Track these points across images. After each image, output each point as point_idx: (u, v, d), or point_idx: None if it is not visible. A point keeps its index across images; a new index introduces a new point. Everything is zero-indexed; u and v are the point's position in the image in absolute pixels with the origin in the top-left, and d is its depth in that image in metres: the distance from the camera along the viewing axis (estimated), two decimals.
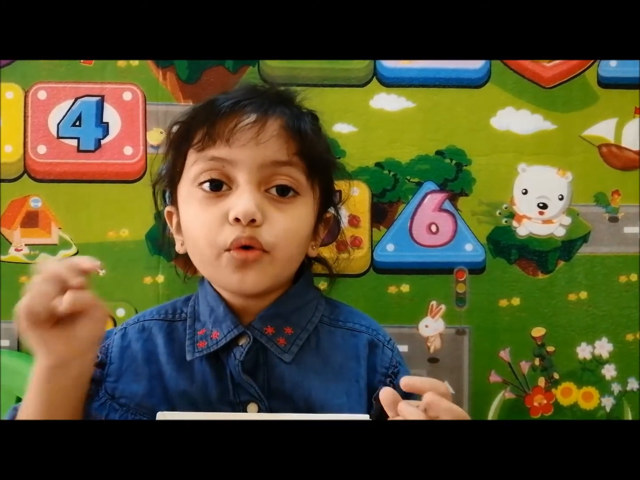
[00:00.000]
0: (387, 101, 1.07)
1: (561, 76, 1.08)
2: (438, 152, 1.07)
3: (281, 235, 0.78)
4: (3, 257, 1.04)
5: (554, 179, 1.08)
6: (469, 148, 1.07)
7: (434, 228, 1.07)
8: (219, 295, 0.83)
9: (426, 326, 1.07)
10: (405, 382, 0.66)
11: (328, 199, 0.89)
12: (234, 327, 0.80)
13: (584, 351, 1.08)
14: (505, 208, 1.08)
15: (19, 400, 0.98)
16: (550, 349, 1.08)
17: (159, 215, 1.03)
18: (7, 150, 1.04)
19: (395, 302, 1.07)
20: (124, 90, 1.05)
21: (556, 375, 1.08)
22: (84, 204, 1.05)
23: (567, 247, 1.08)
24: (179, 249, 0.86)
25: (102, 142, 1.05)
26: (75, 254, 1.05)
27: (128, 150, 1.05)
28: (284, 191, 0.79)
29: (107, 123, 1.05)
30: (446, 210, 1.07)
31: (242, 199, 0.76)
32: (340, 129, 1.06)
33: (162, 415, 0.68)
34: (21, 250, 1.04)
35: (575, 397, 1.09)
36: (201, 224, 0.78)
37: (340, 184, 0.96)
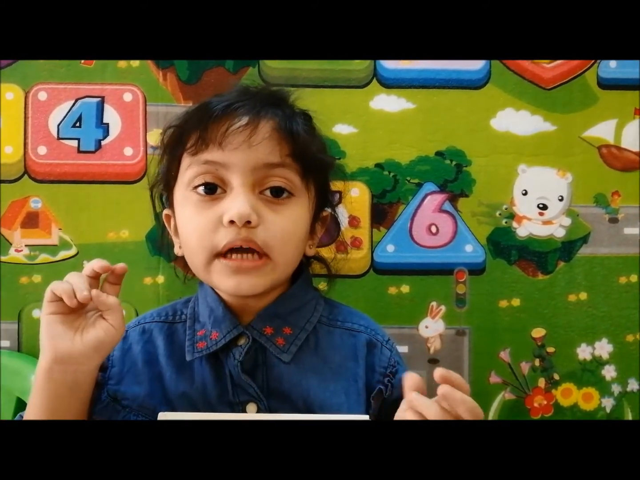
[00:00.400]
0: (387, 102, 1.07)
1: (561, 77, 1.08)
2: (438, 153, 1.07)
3: (277, 236, 0.78)
4: (3, 258, 1.04)
5: (553, 179, 1.08)
6: (469, 149, 1.07)
7: (434, 229, 1.07)
8: (218, 296, 0.83)
9: (426, 327, 1.07)
10: (441, 373, 0.65)
11: (324, 198, 0.89)
12: (233, 327, 0.81)
13: (584, 352, 1.08)
14: (505, 209, 1.08)
15: (19, 400, 0.99)
16: (550, 349, 1.08)
17: (158, 217, 1.03)
18: (7, 151, 1.04)
19: (395, 303, 1.07)
20: (124, 91, 1.05)
21: (556, 376, 1.08)
22: (84, 204, 1.05)
23: (567, 248, 1.08)
24: (177, 251, 0.87)
25: (103, 143, 1.05)
26: (76, 255, 1.05)
27: (128, 151, 1.05)
28: (278, 192, 0.79)
29: (108, 124, 1.05)
30: (446, 211, 1.07)
31: (237, 202, 0.76)
32: (340, 129, 1.06)
33: (163, 416, 0.68)
34: (21, 251, 1.04)
35: (576, 397, 1.09)
36: (194, 228, 0.79)
37: (337, 184, 0.96)
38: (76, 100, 1.05)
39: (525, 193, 1.08)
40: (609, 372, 1.09)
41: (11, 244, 1.04)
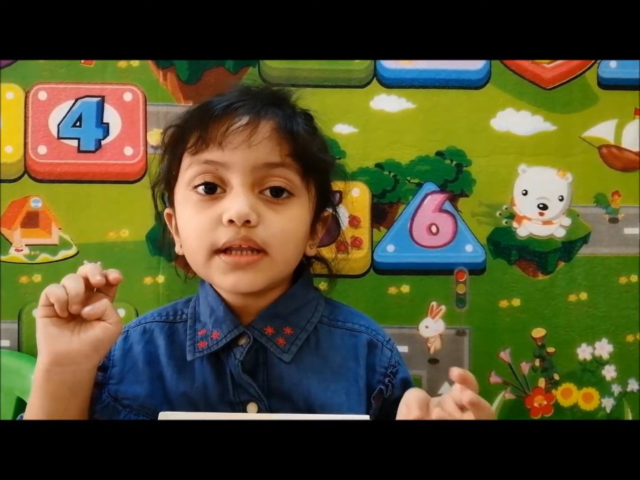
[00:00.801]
0: (388, 102, 1.07)
1: (561, 77, 1.08)
2: (438, 153, 1.07)
3: (277, 235, 0.78)
4: (3, 258, 1.04)
5: (554, 180, 1.08)
6: (469, 149, 1.07)
7: (434, 229, 1.07)
8: (219, 296, 0.83)
9: (426, 327, 1.07)
10: (459, 372, 0.64)
11: (325, 198, 0.89)
12: (234, 327, 0.81)
13: (584, 352, 1.08)
14: (506, 209, 1.08)
15: (19, 400, 0.99)
16: (550, 349, 1.08)
17: (159, 216, 1.03)
18: (7, 150, 1.04)
19: (395, 303, 1.07)
20: (124, 90, 1.05)
21: (556, 376, 1.08)
22: (85, 204, 1.05)
23: (567, 248, 1.08)
24: (178, 250, 0.87)
25: (103, 142, 1.05)
26: (76, 255, 1.05)
27: (128, 151, 1.05)
28: (278, 192, 0.80)
29: (108, 124, 1.05)
30: (446, 211, 1.07)
31: (236, 201, 0.76)
32: (340, 129, 1.06)
33: (163, 416, 0.68)
34: (21, 250, 1.04)
35: (576, 398, 1.09)
36: (194, 227, 0.79)
37: (338, 184, 0.96)
38: (76, 100, 1.05)
39: (525, 193, 1.08)
40: (609, 372, 1.09)
41: (11, 244, 1.04)
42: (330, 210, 0.92)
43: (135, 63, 1.05)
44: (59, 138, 1.04)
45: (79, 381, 0.74)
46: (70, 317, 0.72)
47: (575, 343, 1.08)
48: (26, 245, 1.04)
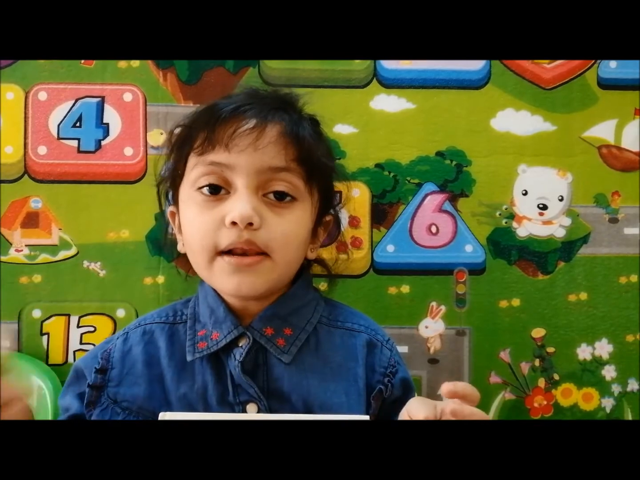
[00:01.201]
0: (388, 102, 1.07)
1: (561, 77, 1.08)
2: (438, 153, 1.07)
3: (279, 239, 0.78)
4: (3, 258, 1.04)
5: (554, 180, 1.08)
6: (469, 149, 1.07)
7: (434, 229, 1.07)
8: (218, 297, 0.83)
9: (426, 327, 1.07)
10: (448, 388, 0.65)
11: (327, 202, 0.89)
12: (234, 327, 0.81)
13: (584, 352, 1.08)
14: (505, 209, 1.08)
15: None
16: (550, 349, 1.08)
17: (160, 216, 1.04)
18: (7, 151, 1.04)
19: (395, 303, 1.07)
20: (124, 91, 1.05)
21: (556, 376, 1.08)
22: (85, 204, 1.05)
23: (567, 248, 1.08)
24: (180, 248, 0.87)
25: (103, 143, 1.05)
26: (76, 255, 1.05)
27: (128, 151, 1.05)
28: (281, 196, 0.80)
29: (108, 124, 1.05)
30: (446, 211, 1.07)
31: (239, 203, 0.77)
32: (340, 130, 1.06)
33: (163, 416, 0.68)
34: (21, 250, 1.04)
35: (575, 398, 1.09)
36: (197, 228, 0.79)
37: (339, 186, 0.96)
38: (76, 100, 1.05)
39: (525, 193, 1.08)
40: (609, 372, 1.09)
41: (11, 244, 1.04)
42: (332, 214, 0.92)
43: (135, 63, 1.05)
44: (59, 138, 1.04)
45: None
46: None
47: (575, 343, 1.08)
48: (26, 245, 1.04)
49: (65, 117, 1.04)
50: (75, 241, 1.05)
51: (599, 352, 1.09)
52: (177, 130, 0.86)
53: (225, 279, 0.79)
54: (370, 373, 0.83)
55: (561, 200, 1.08)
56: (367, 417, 0.68)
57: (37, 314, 1.04)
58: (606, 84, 1.08)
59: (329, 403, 0.80)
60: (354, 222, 1.07)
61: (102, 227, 1.05)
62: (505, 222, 1.08)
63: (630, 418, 1.08)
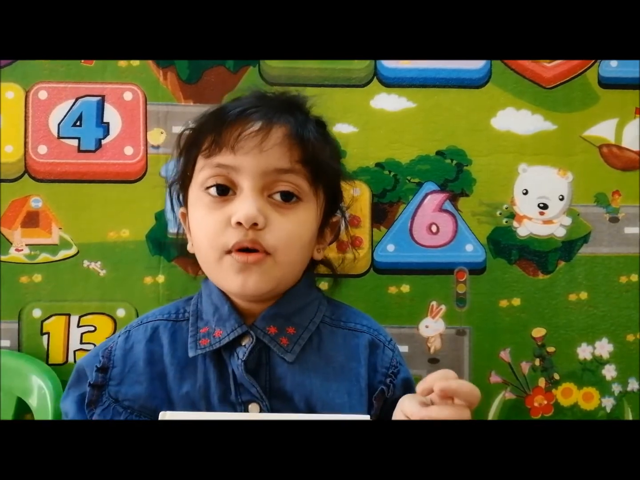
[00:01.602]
0: (388, 101, 1.07)
1: (562, 76, 1.08)
2: (438, 153, 1.07)
3: (283, 239, 0.79)
4: (3, 257, 1.04)
5: (554, 179, 1.08)
6: (470, 148, 1.07)
7: (434, 228, 1.07)
8: (223, 295, 0.84)
9: (426, 326, 1.07)
10: (441, 387, 0.65)
11: (333, 204, 0.90)
12: (238, 326, 0.81)
13: (584, 352, 1.08)
14: (506, 208, 1.08)
15: (19, 400, 0.99)
16: (550, 349, 1.08)
17: (160, 216, 1.04)
18: (7, 150, 1.04)
19: (395, 303, 1.07)
20: (124, 90, 1.05)
21: (556, 376, 1.08)
22: (85, 204, 1.05)
23: (568, 247, 1.08)
24: (190, 248, 0.88)
25: (103, 142, 1.05)
26: (76, 254, 1.04)
27: (129, 150, 1.05)
28: (286, 197, 0.81)
29: (108, 123, 1.05)
30: (446, 211, 1.07)
31: (245, 204, 0.77)
32: (340, 129, 1.06)
33: (163, 415, 0.68)
34: (22, 250, 1.04)
35: (576, 397, 1.09)
36: (205, 228, 0.80)
37: (345, 187, 0.96)
38: (76, 100, 1.05)
39: (525, 192, 1.08)
40: (609, 371, 1.09)
41: (11, 244, 1.04)
42: (339, 215, 0.93)
43: (135, 62, 1.05)
44: (59, 137, 1.04)
45: None
46: None
47: (575, 342, 1.08)
48: (26, 245, 1.04)
49: (65, 116, 1.04)
50: (75, 240, 1.05)
51: (599, 352, 1.09)
52: (185, 133, 0.87)
53: (231, 278, 0.79)
54: (372, 373, 0.83)
55: (562, 199, 1.08)
56: (367, 417, 0.68)
57: (37, 313, 1.04)
58: (607, 83, 1.08)
59: (331, 403, 0.80)
60: (354, 221, 1.07)
61: (103, 227, 1.05)
62: (506, 222, 1.08)
63: (630, 418, 1.08)
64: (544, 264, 1.08)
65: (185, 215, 0.88)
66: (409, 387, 0.84)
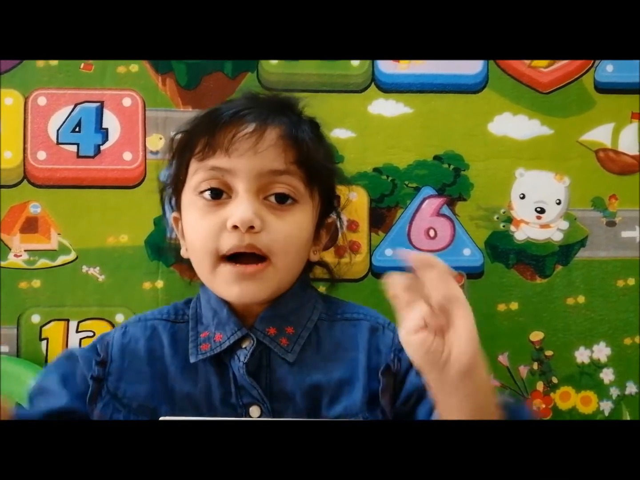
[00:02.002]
0: (385, 107, 1.07)
1: (558, 81, 1.08)
2: (436, 157, 1.08)
3: (280, 241, 0.79)
4: (2, 263, 1.04)
5: (551, 183, 1.09)
6: (467, 153, 1.08)
7: (432, 233, 1.08)
8: (221, 299, 0.83)
9: None
10: (414, 257, 0.66)
11: (329, 204, 0.90)
12: (238, 329, 0.81)
13: (582, 355, 1.08)
14: (503, 213, 1.08)
15: (18, 406, 0.98)
16: (548, 353, 1.08)
17: (159, 221, 1.04)
18: (6, 156, 1.04)
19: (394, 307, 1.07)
20: (123, 96, 1.05)
21: (555, 380, 1.08)
22: (84, 209, 1.05)
23: (565, 251, 1.09)
24: (184, 253, 0.88)
25: (102, 148, 1.05)
26: (75, 260, 1.05)
27: (127, 156, 1.05)
28: (282, 199, 0.80)
29: (107, 129, 1.05)
30: (444, 215, 1.08)
31: (240, 207, 0.77)
32: (338, 134, 1.06)
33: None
34: (20, 256, 1.04)
35: (574, 401, 1.09)
36: (199, 232, 0.80)
37: (339, 189, 0.96)
38: (75, 105, 1.05)
39: (523, 197, 1.08)
40: (607, 375, 1.09)
41: (10, 249, 1.04)
42: (334, 216, 0.92)
43: (134, 68, 1.05)
44: (58, 143, 1.05)
45: None
46: None
47: (573, 346, 1.09)
48: (25, 250, 1.04)
49: (64, 122, 1.05)
50: (74, 246, 1.05)
51: (597, 355, 1.09)
52: (178, 137, 0.87)
53: (227, 287, 0.79)
54: (376, 355, 0.82)
55: (559, 203, 1.08)
56: (368, 417, 0.68)
57: (36, 319, 1.04)
58: (603, 88, 1.08)
59: (333, 395, 0.79)
60: (352, 226, 1.07)
61: (101, 232, 1.05)
62: (503, 226, 1.08)
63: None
64: (542, 268, 1.08)
65: (178, 220, 0.88)
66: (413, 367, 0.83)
